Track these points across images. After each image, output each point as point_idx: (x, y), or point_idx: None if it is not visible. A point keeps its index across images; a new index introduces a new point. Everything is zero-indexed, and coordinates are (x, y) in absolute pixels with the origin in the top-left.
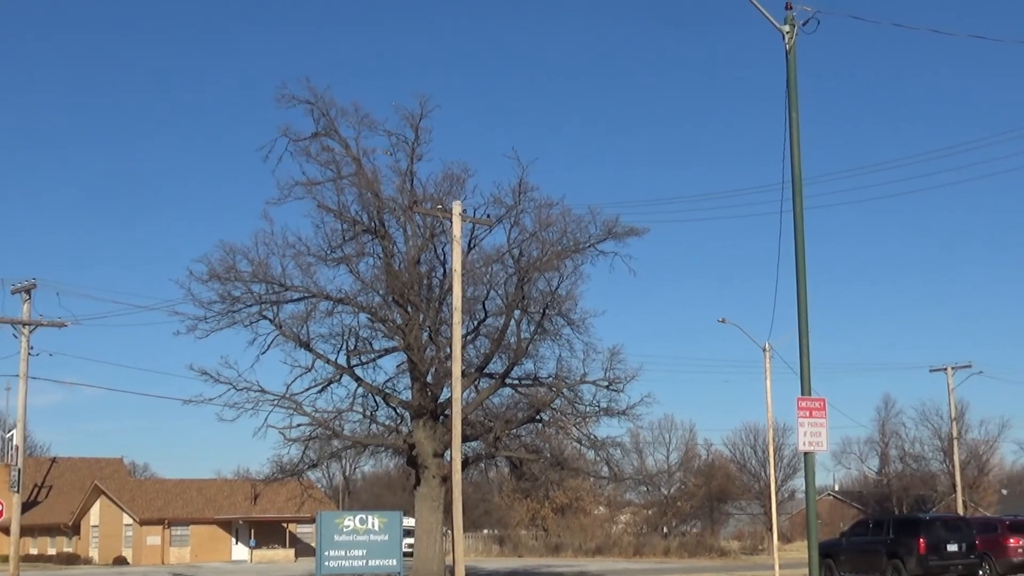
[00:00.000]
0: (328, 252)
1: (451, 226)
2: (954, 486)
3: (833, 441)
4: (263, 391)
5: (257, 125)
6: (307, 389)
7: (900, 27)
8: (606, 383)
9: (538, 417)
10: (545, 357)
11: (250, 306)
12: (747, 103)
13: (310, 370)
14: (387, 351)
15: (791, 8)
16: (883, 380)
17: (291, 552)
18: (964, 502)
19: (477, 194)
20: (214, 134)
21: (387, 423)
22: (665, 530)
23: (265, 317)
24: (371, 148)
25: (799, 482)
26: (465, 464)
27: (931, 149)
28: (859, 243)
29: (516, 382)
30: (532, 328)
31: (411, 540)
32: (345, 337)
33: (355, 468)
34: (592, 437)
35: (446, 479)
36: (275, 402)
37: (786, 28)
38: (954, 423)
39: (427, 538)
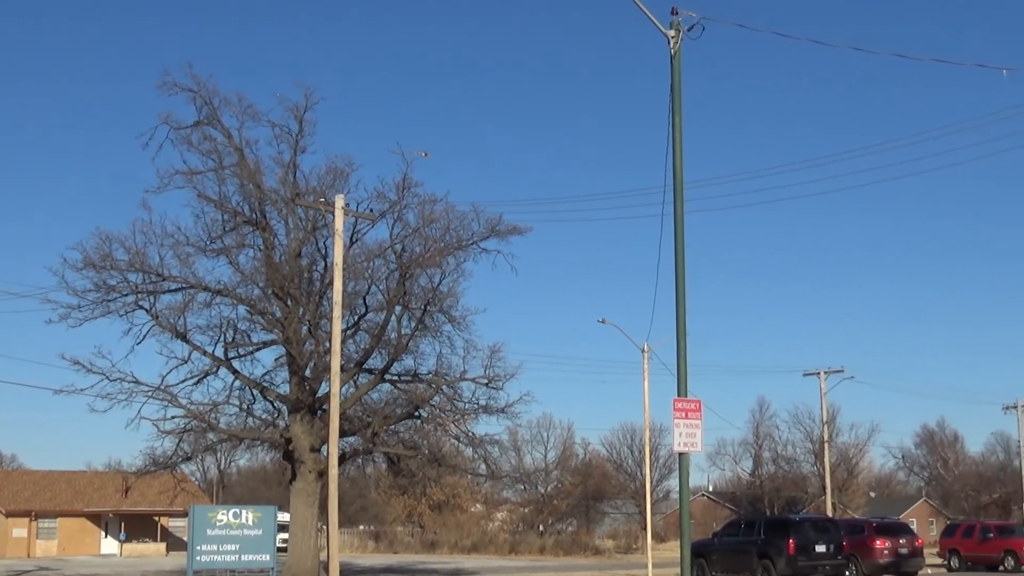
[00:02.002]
0: (208, 243)
1: (333, 220)
2: (824, 488)
3: (708, 442)
4: (137, 382)
5: (138, 113)
6: (183, 381)
7: (782, 36)
8: (485, 381)
9: (417, 413)
10: (425, 353)
11: (126, 295)
12: (633, 105)
13: (186, 362)
14: (265, 344)
15: (677, 13)
16: (758, 383)
17: (163, 546)
18: (833, 504)
19: (361, 188)
20: (92, 120)
21: (264, 417)
22: (541, 528)
23: (141, 307)
24: (254, 139)
25: (674, 482)
26: (342, 459)
27: (808, 157)
28: (738, 247)
29: (395, 378)
30: (413, 324)
31: (286, 535)
32: (223, 329)
33: (230, 462)
34: (470, 434)
35: (322, 474)
36: (149, 394)
37: (671, 33)
38: (826, 426)
39: (302, 533)
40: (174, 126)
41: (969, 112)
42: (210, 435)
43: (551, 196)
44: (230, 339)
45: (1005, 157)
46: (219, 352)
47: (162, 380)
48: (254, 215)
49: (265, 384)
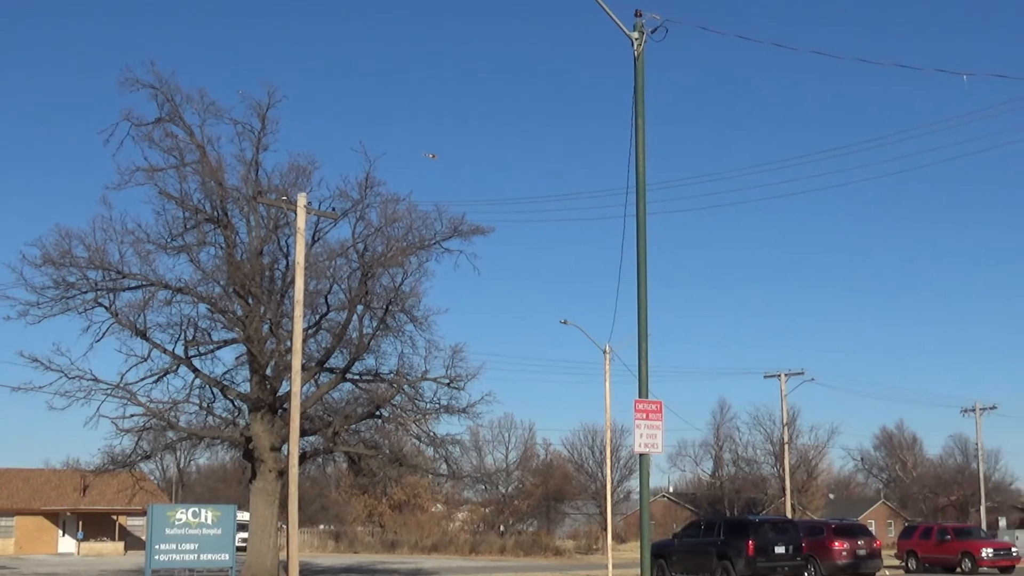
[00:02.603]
0: (168, 240)
1: (295, 218)
2: (784, 489)
3: (669, 443)
4: (96, 380)
5: (100, 108)
6: (142, 379)
7: (745, 39)
8: (447, 380)
9: (378, 413)
10: (387, 353)
11: (85, 293)
12: (596, 106)
13: (146, 360)
14: (226, 342)
15: (640, 15)
16: (719, 385)
17: (121, 545)
18: (793, 505)
19: (323, 187)
20: (53, 116)
21: (224, 415)
22: (502, 528)
23: (101, 304)
24: (216, 136)
25: (635, 483)
26: (303, 459)
27: (771, 159)
28: (701, 248)
29: (357, 377)
30: (374, 324)
31: (245, 535)
32: (183, 327)
33: (190, 460)
34: (432, 434)
35: (283, 473)
36: (108, 391)
37: (635, 35)
38: (786, 428)
39: (261, 533)
40: (135, 123)
41: (931, 116)
42: (170, 433)
43: (514, 196)
44: (190, 337)
45: (966, 160)
46: (179, 350)
47: (121, 378)
48: (216, 213)
49: (225, 383)
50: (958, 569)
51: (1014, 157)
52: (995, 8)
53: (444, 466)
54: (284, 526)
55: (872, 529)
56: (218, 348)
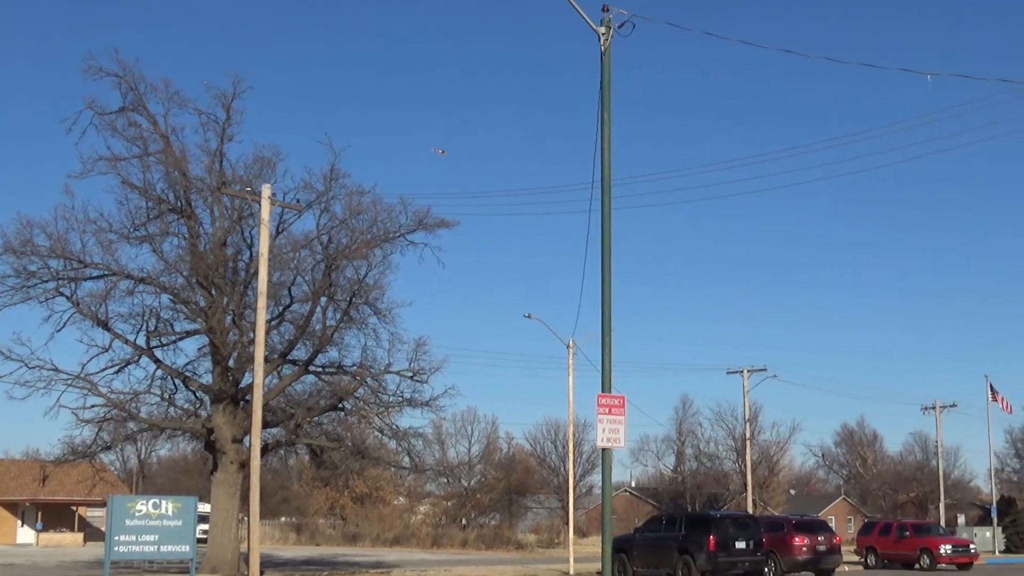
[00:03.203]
0: (131, 230)
1: (259, 209)
2: (745, 485)
3: (632, 438)
4: (57, 370)
5: (63, 97)
6: (103, 369)
7: (712, 36)
8: (410, 374)
9: (341, 405)
10: (350, 345)
11: (46, 282)
12: (563, 101)
13: (107, 350)
14: (188, 333)
15: (608, 10)
16: (682, 380)
17: (80, 536)
18: (754, 501)
19: (288, 178)
20: (15, 104)
21: (186, 407)
22: (464, 522)
23: (62, 294)
24: (180, 126)
25: (597, 478)
26: (265, 450)
27: (736, 155)
28: (665, 244)
29: (320, 370)
30: (338, 316)
31: (206, 526)
32: (145, 318)
33: (151, 452)
34: (394, 427)
35: (244, 465)
36: (69, 382)
37: (602, 30)
38: (748, 424)
39: (222, 524)
40: (98, 111)
41: (896, 115)
42: (130, 424)
43: (480, 190)
44: (152, 328)
45: (929, 159)
46: (141, 341)
47: (82, 368)
48: (179, 203)
49: (187, 374)
50: (916, 565)
51: (977, 156)
52: (958, 9)
53: (407, 459)
54: (245, 518)
55: (832, 525)
56: (180, 339)
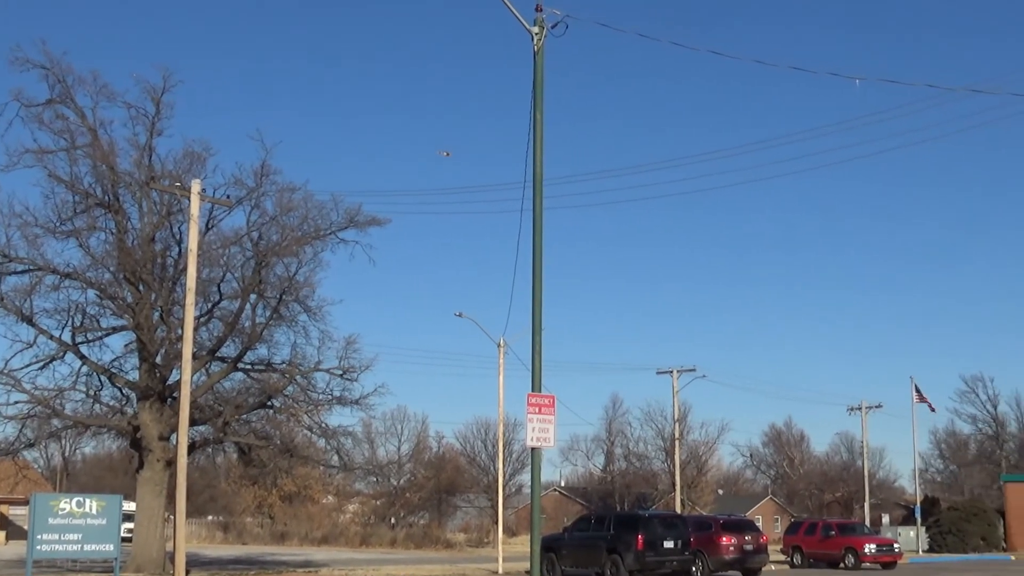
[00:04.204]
0: (57, 224)
1: (189, 205)
2: (674, 485)
3: (561, 438)
4: None
5: None
6: (27, 365)
7: (645, 38)
8: (340, 372)
9: (269, 403)
10: (280, 343)
11: None
12: (497, 100)
13: (32, 346)
14: (115, 329)
15: (541, 10)
16: (613, 380)
17: (2, 535)
18: (682, 500)
19: (218, 174)
20: None
21: (111, 404)
22: (393, 521)
23: None
24: (108, 119)
25: (527, 477)
26: (192, 448)
27: (669, 156)
28: (595, 244)
29: (249, 367)
30: (268, 313)
31: (131, 525)
32: (71, 313)
33: (75, 449)
34: (323, 425)
35: (171, 463)
36: None
37: (535, 29)
38: (677, 424)
39: (148, 523)
40: (25, 103)
41: (825, 117)
42: (55, 421)
43: (412, 188)
44: (78, 323)
45: (862, 161)
46: (66, 337)
47: (5, 364)
48: (107, 197)
49: (114, 370)
50: (841, 564)
51: (903, 158)
52: (888, 14)
53: (336, 458)
54: (171, 516)
55: (759, 525)
56: (107, 335)
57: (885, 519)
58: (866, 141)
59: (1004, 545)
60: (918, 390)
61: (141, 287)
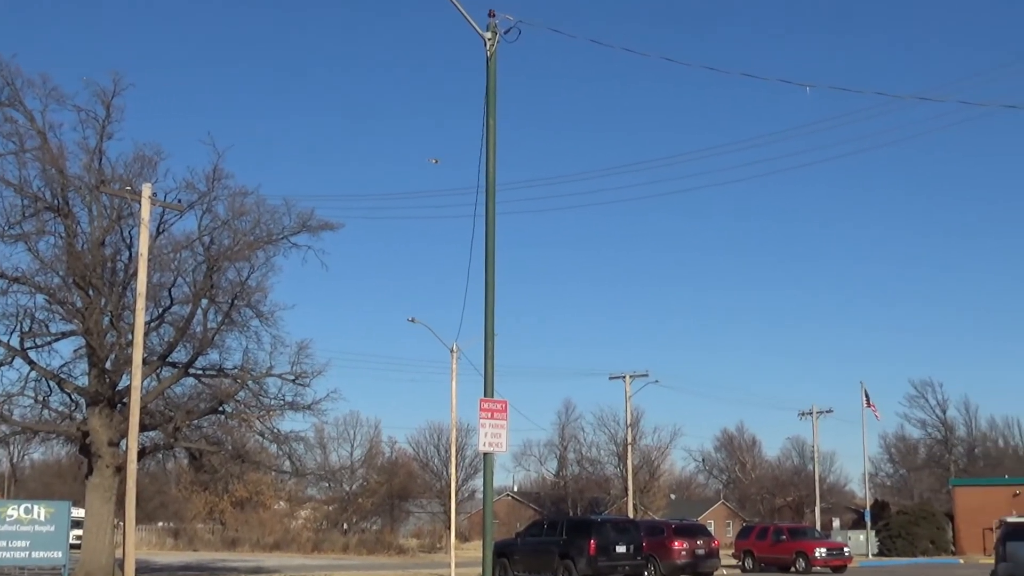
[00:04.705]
0: (6, 228)
1: (139, 209)
2: (627, 490)
3: (514, 443)
4: None
5: None
6: None
7: (597, 44)
8: (292, 377)
9: (221, 409)
10: (231, 348)
11: None
12: (450, 105)
13: None
14: (64, 335)
15: (494, 16)
16: (565, 385)
17: None
18: (635, 505)
19: (169, 178)
20: None
21: (60, 409)
22: (345, 526)
23: None
24: (58, 123)
25: (479, 482)
26: (142, 454)
27: (623, 162)
28: (549, 249)
29: (200, 372)
30: (219, 318)
31: (80, 532)
32: (20, 318)
33: (24, 455)
34: (275, 431)
35: (120, 469)
36: None
37: (488, 35)
38: (629, 429)
39: (97, 530)
40: None
41: (778, 123)
42: (3, 427)
43: (365, 193)
44: (27, 328)
45: (815, 167)
46: (15, 342)
47: None
48: (56, 201)
49: (63, 376)
50: (792, 568)
51: (853, 165)
52: (839, 22)
53: (287, 463)
54: (121, 523)
55: (711, 529)
56: (56, 340)
57: (836, 523)
58: (818, 147)
59: (952, 548)
60: (867, 396)
61: (91, 292)
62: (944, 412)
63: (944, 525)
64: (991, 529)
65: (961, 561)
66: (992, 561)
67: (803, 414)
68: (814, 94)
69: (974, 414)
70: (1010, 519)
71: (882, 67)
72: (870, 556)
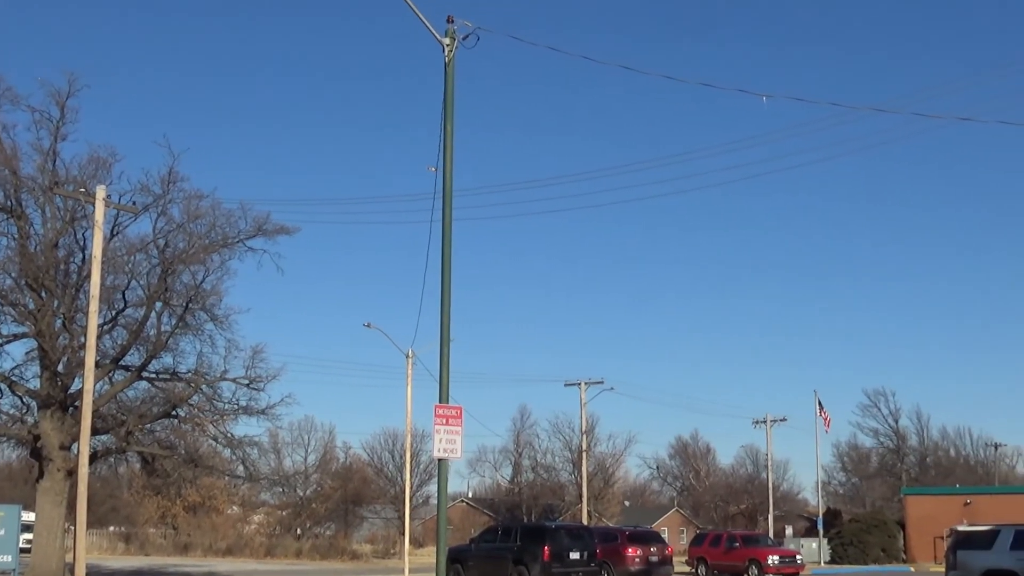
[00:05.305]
0: None
1: (93, 211)
2: (581, 496)
3: (469, 449)
4: None
5: None
6: None
7: (555, 51)
8: (247, 381)
9: (174, 413)
10: (185, 352)
11: None
12: (409, 110)
13: None
14: (16, 337)
15: (452, 21)
16: (521, 392)
17: None
18: (589, 512)
19: (124, 180)
20: None
21: (11, 412)
22: (299, 532)
23: None
24: (11, 123)
25: (434, 488)
26: (94, 458)
27: (577, 169)
28: (505, 256)
29: (153, 376)
30: (173, 321)
31: (30, 536)
32: None
33: None
34: (229, 435)
35: (72, 473)
36: None
37: (447, 41)
38: (584, 436)
39: (47, 534)
40: None
41: (735, 132)
42: None
43: (322, 197)
44: None
45: (768, 176)
46: None
47: None
48: (8, 202)
49: (14, 378)
50: (745, 575)
51: (805, 175)
52: (795, 31)
53: (241, 468)
54: (72, 527)
55: (665, 536)
56: (7, 342)
57: (788, 531)
58: (773, 157)
59: (904, 556)
60: (820, 404)
61: (43, 294)
62: (896, 421)
63: (895, 533)
64: (942, 538)
65: (912, 569)
66: (943, 569)
67: (757, 422)
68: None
69: (926, 424)
70: (960, 528)
71: (840, 80)
72: (822, 564)
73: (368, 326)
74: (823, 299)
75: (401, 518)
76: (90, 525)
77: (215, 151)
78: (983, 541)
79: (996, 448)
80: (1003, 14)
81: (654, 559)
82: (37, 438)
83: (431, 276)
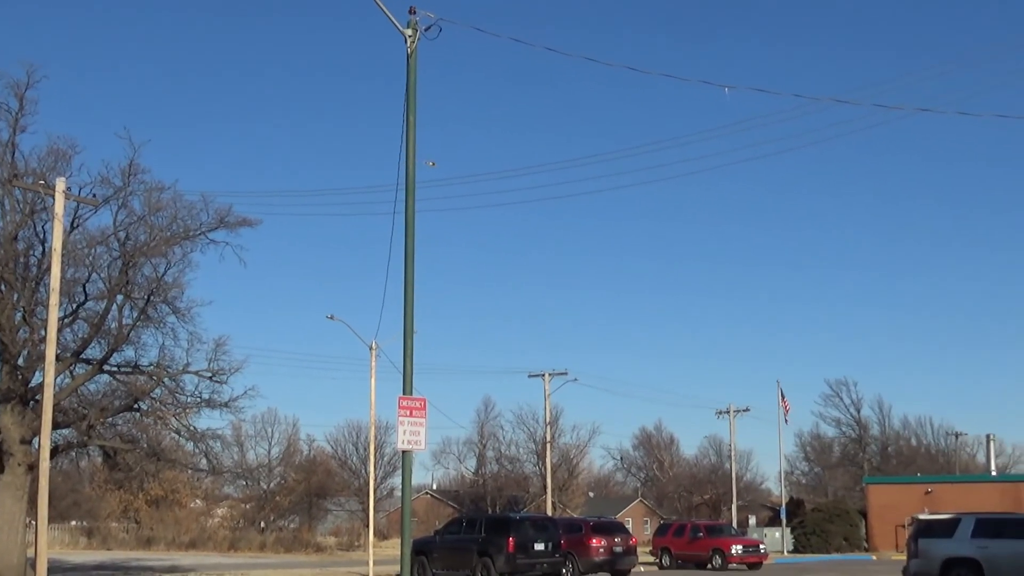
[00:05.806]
0: None
1: (53, 203)
2: (545, 487)
3: (433, 441)
4: None
5: None
6: None
7: (519, 42)
8: (209, 374)
9: (136, 406)
10: (147, 345)
11: None
12: (372, 102)
13: None
14: None
15: (415, 13)
16: (485, 383)
17: None
18: (554, 503)
19: (84, 172)
20: None
21: None
22: (262, 525)
23: None
24: None
25: (398, 480)
26: (55, 452)
27: (540, 161)
28: (469, 247)
29: (115, 369)
30: (135, 314)
31: None
32: None
33: None
34: (192, 428)
35: (33, 467)
36: None
37: (409, 32)
38: (548, 427)
39: (8, 529)
40: None
41: (700, 123)
42: None
43: (284, 189)
44: None
45: (732, 167)
46: None
47: None
48: None
49: None
50: (709, 565)
51: (771, 165)
52: (760, 23)
53: (204, 461)
54: (33, 522)
55: (629, 527)
56: None
57: (752, 520)
58: (737, 148)
59: (866, 545)
60: (783, 395)
61: (3, 287)
62: (858, 411)
63: (857, 522)
64: (903, 526)
65: (874, 557)
66: (904, 557)
67: (720, 413)
68: (734, 96)
69: (887, 413)
70: (922, 516)
71: (801, 71)
72: (785, 553)
73: (331, 318)
74: (785, 290)
75: (365, 510)
76: (52, 520)
77: (177, 143)
78: (944, 529)
79: (957, 437)
80: (963, 5)
81: (618, 550)
82: None
83: (395, 268)
